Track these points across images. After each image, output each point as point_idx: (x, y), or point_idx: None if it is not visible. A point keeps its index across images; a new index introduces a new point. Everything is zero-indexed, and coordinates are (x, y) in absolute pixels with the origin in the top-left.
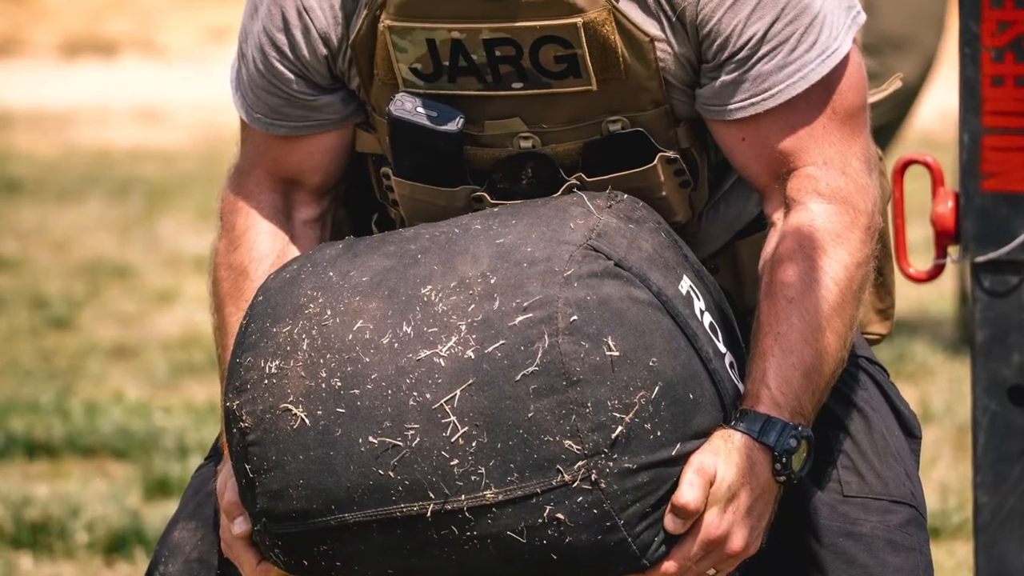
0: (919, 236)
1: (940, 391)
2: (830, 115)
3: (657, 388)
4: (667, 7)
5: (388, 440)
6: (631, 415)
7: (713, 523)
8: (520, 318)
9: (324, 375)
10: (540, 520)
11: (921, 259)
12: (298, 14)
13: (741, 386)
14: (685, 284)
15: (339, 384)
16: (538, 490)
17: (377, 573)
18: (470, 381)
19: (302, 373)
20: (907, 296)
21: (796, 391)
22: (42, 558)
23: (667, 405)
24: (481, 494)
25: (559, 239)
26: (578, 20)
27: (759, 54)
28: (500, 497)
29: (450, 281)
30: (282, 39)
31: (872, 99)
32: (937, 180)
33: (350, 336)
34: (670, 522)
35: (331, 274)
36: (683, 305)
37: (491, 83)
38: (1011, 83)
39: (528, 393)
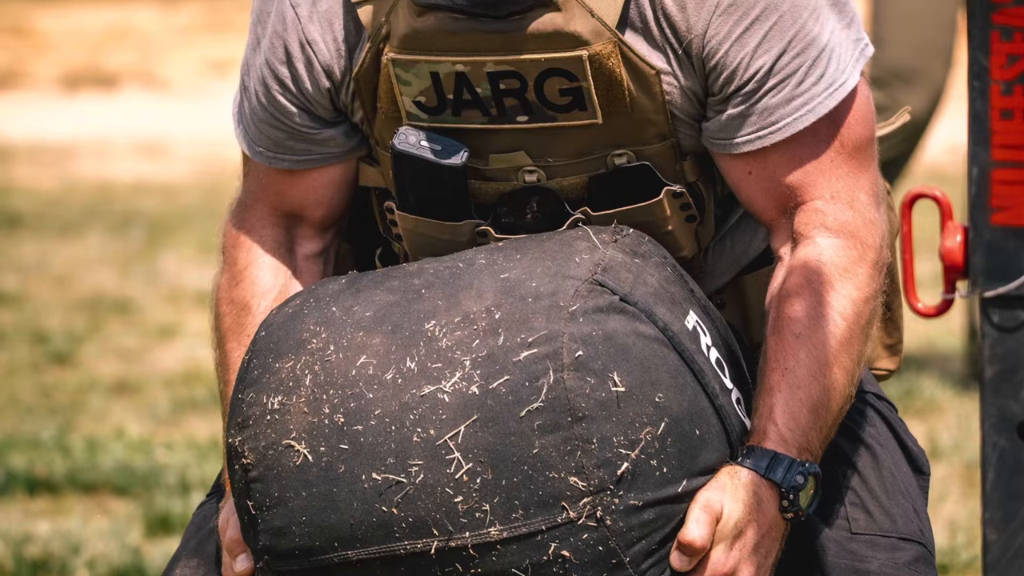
0: (928, 271)
1: (949, 427)
2: (838, 149)
3: (663, 424)
4: (673, 40)
5: (392, 477)
6: (637, 451)
7: (719, 560)
8: (525, 353)
9: (327, 411)
10: (545, 557)
11: (930, 294)
12: (301, 47)
13: (748, 422)
14: (691, 319)
15: (342, 420)
16: (543, 527)
17: None
18: (474, 417)
19: (305, 409)
20: (915, 331)
21: (803, 427)
22: None
23: (673, 441)
24: (485, 531)
25: (564, 274)
26: (583, 53)
27: (766, 87)
28: (505, 534)
29: (454, 316)
30: (284, 72)
31: (880, 132)
32: (946, 214)
33: (353, 372)
34: (676, 559)
35: (334, 309)
36: (689, 340)
37: (496, 116)
38: (1020, 117)
39: (533, 429)
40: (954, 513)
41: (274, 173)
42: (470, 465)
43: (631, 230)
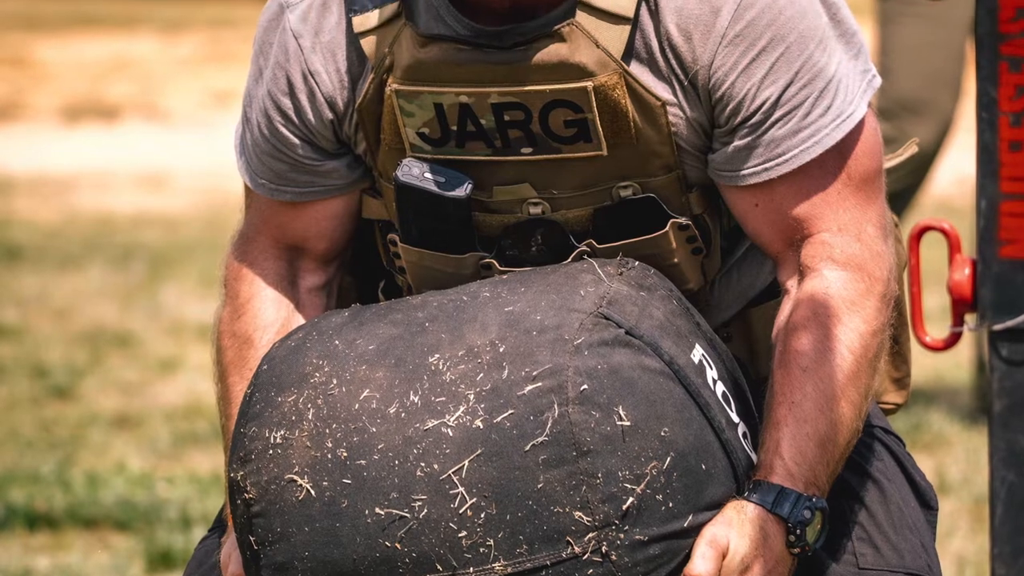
0: (936, 304)
1: (957, 461)
2: (845, 180)
3: (669, 459)
4: (679, 70)
5: (395, 511)
6: (643, 486)
7: None
8: (529, 387)
9: (330, 445)
10: None
11: (938, 327)
12: (303, 78)
13: (754, 456)
14: (697, 353)
15: (345, 454)
16: (548, 562)
17: None
18: (478, 451)
19: (307, 443)
20: (923, 365)
21: (810, 461)
22: None
23: (679, 476)
24: (490, 566)
25: (569, 307)
26: (588, 84)
27: (773, 118)
28: (509, 570)
29: (458, 350)
30: (287, 103)
31: (888, 164)
32: (954, 247)
33: (356, 405)
34: None
35: (337, 342)
36: (695, 374)
37: (500, 148)
38: None
39: (538, 464)
40: (963, 548)
41: (276, 205)
42: (474, 500)
43: (637, 263)
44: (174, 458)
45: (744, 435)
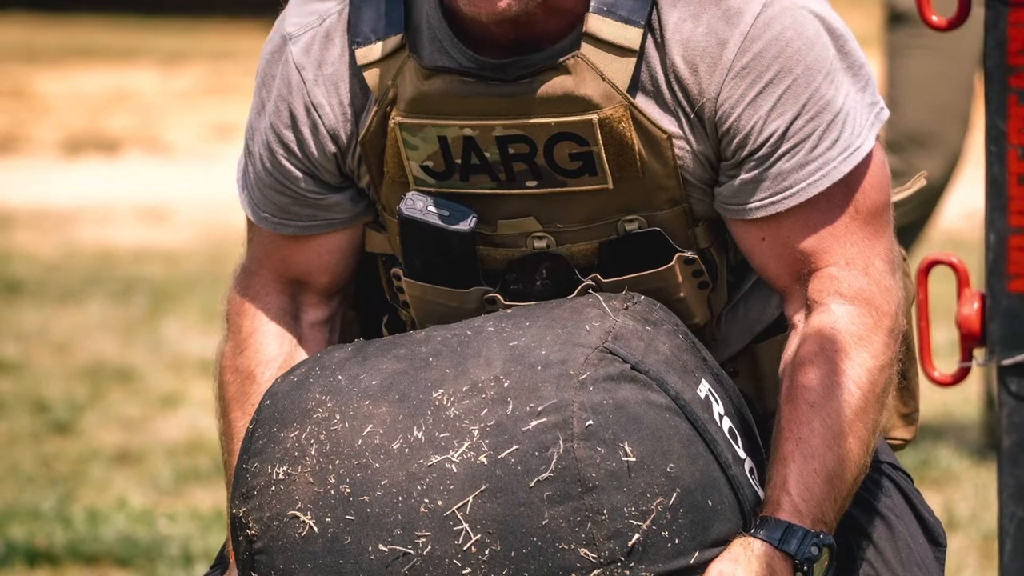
0: (944, 338)
1: (966, 498)
2: (852, 214)
3: (675, 495)
4: (685, 103)
5: (399, 548)
6: (648, 522)
7: None
8: (534, 423)
9: (333, 481)
10: None
11: (946, 362)
12: (306, 110)
13: (761, 492)
14: (704, 388)
15: (348, 490)
16: None
17: None
18: (483, 487)
19: (310, 479)
20: (932, 400)
21: (818, 498)
22: None
23: (685, 512)
24: None
25: (574, 342)
26: (594, 117)
27: (780, 151)
28: None
29: (462, 385)
30: (290, 136)
31: (896, 198)
32: (962, 281)
33: (359, 441)
34: None
35: (340, 378)
36: (702, 409)
37: (504, 181)
38: None
39: (542, 500)
40: None
41: (279, 239)
42: (478, 536)
43: (642, 297)
44: (176, 494)
45: (751, 471)
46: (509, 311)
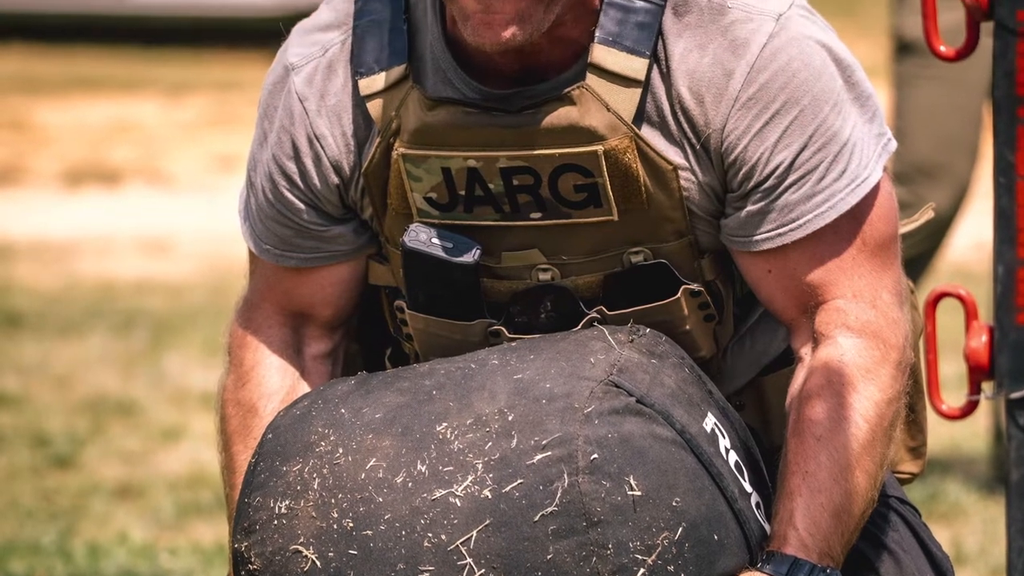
0: (952, 372)
1: (974, 532)
2: (860, 246)
3: (681, 529)
4: (691, 134)
5: None
6: (654, 557)
7: None
8: (539, 456)
9: (336, 515)
10: None
11: (954, 395)
12: (309, 141)
13: (768, 527)
14: (710, 421)
15: (351, 525)
16: None
17: None
18: (487, 522)
19: (313, 513)
20: (940, 434)
21: (825, 532)
22: None
23: (691, 547)
24: None
25: (579, 374)
26: (599, 148)
27: (786, 183)
28: None
29: (466, 418)
30: (292, 167)
31: (903, 229)
32: (971, 313)
33: (362, 475)
34: None
35: (343, 411)
36: (707, 443)
37: (508, 213)
38: None
39: (547, 534)
40: None
41: (281, 271)
42: (482, 571)
43: (648, 330)
44: (177, 529)
45: (757, 505)
46: (513, 344)
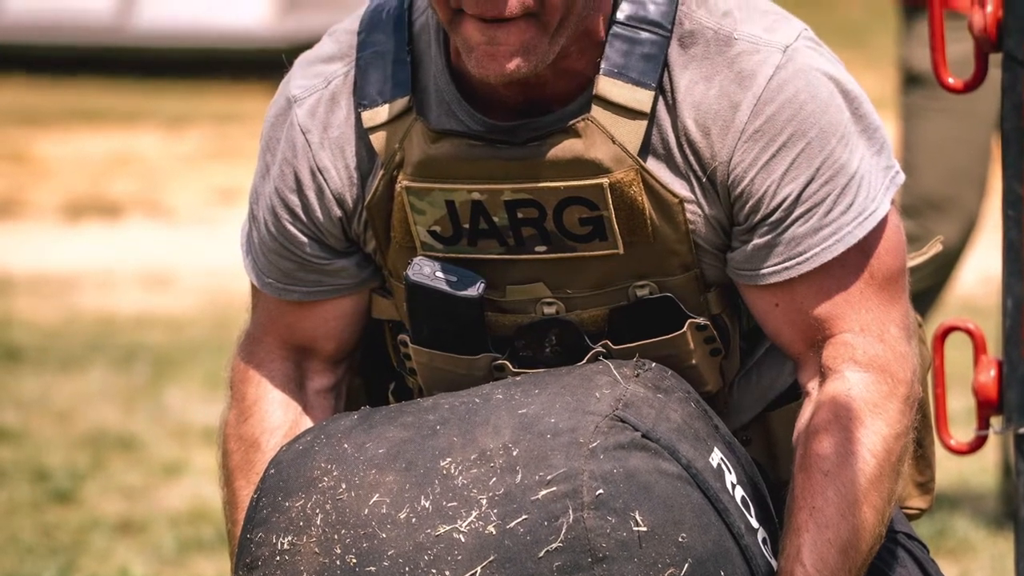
0: (960, 406)
1: (982, 568)
2: (867, 280)
3: (687, 565)
4: (697, 167)
5: None
6: None
7: None
8: (544, 492)
9: (339, 551)
10: None
11: (962, 430)
12: (311, 174)
13: (774, 563)
14: (716, 456)
15: (354, 561)
16: None
17: None
18: (491, 558)
19: (316, 549)
20: (948, 469)
21: (832, 568)
22: None
23: None
24: None
25: (584, 409)
26: (604, 180)
27: (793, 216)
28: None
29: (470, 453)
30: (295, 200)
31: (912, 263)
32: (979, 348)
33: (366, 511)
34: None
35: (346, 446)
36: (714, 478)
37: (513, 246)
38: None
39: (552, 570)
40: None
41: (284, 305)
42: None
43: (653, 364)
44: (179, 564)
45: (764, 541)
46: (518, 378)
